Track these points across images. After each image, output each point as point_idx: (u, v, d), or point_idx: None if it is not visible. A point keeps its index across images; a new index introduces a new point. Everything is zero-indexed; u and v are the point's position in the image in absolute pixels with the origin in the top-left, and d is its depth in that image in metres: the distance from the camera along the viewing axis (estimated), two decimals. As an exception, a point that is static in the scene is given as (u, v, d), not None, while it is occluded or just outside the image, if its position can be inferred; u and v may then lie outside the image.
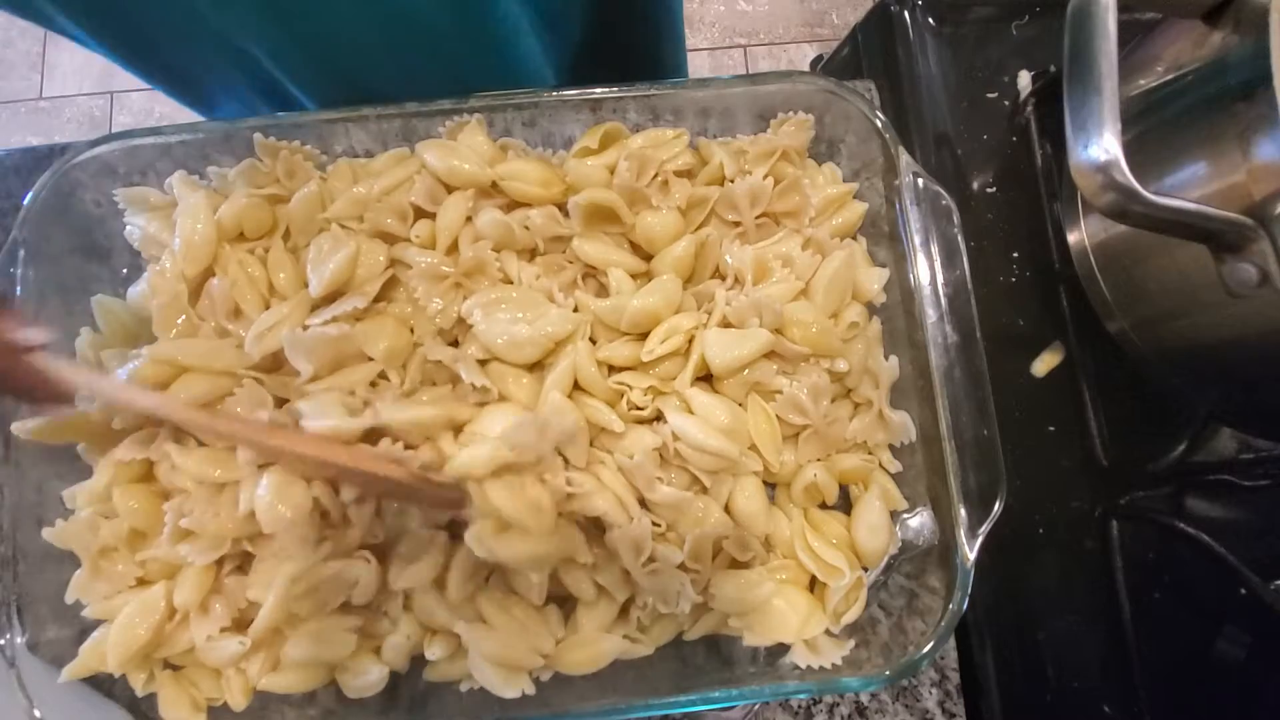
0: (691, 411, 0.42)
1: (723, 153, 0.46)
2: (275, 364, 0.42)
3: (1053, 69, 0.54)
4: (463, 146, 0.44)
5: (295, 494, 0.37)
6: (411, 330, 0.43)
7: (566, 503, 0.40)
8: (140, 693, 0.40)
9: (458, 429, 0.41)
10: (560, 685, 0.41)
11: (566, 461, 0.41)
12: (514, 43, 0.47)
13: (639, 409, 0.42)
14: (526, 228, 0.44)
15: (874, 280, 0.45)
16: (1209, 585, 0.49)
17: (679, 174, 0.46)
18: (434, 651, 0.40)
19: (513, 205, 0.45)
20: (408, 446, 0.38)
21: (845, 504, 0.45)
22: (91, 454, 0.42)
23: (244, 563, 0.41)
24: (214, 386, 0.40)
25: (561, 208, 0.45)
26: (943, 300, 0.42)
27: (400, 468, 0.37)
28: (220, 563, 0.40)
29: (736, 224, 0.45)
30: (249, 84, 0.50)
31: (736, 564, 0.42)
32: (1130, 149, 0.34)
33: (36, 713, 0.37)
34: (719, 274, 0.45)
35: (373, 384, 0.41)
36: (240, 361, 0.41)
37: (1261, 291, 0.35)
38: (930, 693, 0.46)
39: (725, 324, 0.43)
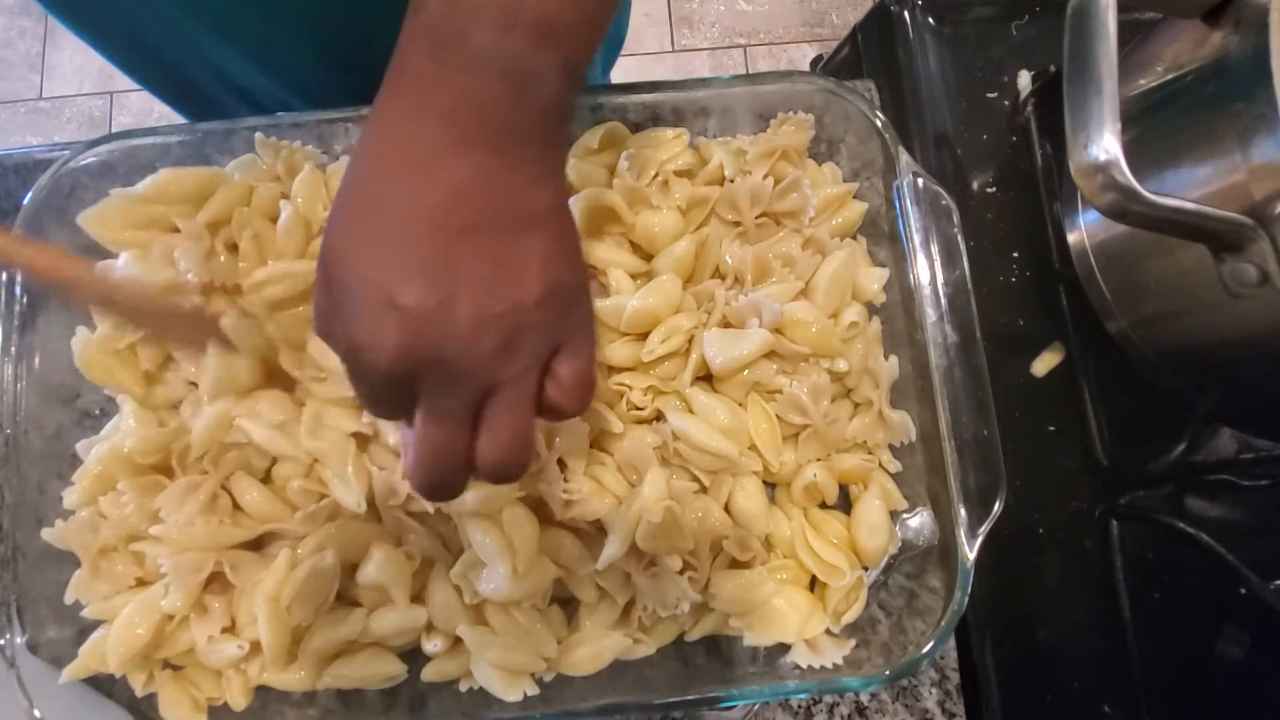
0: (691, 411, 0.42)
1: (723, 153, 0.45)
2: None
3: (1053, 69, 0.54)
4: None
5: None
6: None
7: (565, 510, 0.40)
8: (140, 693, 0.40)
9: None
10: (560, 684, 0.41)
11: (564, 465, 0.41)
12: None
13: (639, 409, 0.42)
14: (526, 228, 0.44)
15: (874, 280, 0.45)
16: (1209, 585, 0.49)
17: (679, 174, 0.46)
18: (433, 645, 0.40)
19: (513, 205, 0.45)
20: None
21: (845, 504, 0.45)
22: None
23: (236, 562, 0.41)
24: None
25: (561, 208, 0.45)
26: (943, 300, 0.42)
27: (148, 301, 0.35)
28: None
29: (736, 224, 0.45)
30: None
31: (736, 564, 0.42)
32: (1130, 149, 0.33)
33: (36, 713, 0.37)
34: (719, 274, 0.45)
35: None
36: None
37: (1261, 291, 0.35)
38: (930, 693, 0.46)
39: (725, 324, 0.43)
